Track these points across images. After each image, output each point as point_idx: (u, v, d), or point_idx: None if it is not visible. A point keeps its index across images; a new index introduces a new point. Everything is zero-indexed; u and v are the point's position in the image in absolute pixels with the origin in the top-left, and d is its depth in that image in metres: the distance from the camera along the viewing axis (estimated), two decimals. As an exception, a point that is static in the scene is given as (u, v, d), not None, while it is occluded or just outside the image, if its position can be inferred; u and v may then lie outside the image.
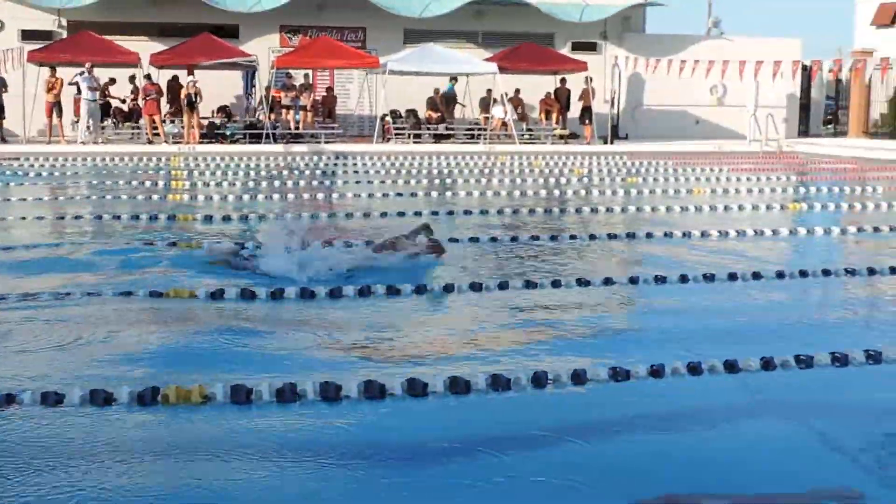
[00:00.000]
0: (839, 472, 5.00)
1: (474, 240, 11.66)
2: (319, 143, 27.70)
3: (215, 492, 4.62)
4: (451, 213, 14.42)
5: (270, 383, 5.85)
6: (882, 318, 8.77)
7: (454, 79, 31.01)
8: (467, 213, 14.45)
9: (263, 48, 31.22)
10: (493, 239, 11.95)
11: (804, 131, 35.48)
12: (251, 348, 7.10)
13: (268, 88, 28.95)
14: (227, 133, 28.40)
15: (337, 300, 8.51)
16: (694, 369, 6.29)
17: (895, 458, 5.29)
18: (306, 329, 7.67)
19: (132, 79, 28.89)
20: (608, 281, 9.26)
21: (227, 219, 13.73)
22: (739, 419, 5.75)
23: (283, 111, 29.08)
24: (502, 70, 29.36)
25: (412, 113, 30.10)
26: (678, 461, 5.08)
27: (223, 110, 30.06)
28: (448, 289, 8.79)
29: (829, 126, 38.42)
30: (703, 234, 12.34)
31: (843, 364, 6.54)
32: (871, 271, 10.02)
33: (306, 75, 30.51)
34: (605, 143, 30.24)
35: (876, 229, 12.91)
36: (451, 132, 30.09)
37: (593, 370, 6.18)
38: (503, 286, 8.89)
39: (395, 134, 29.19)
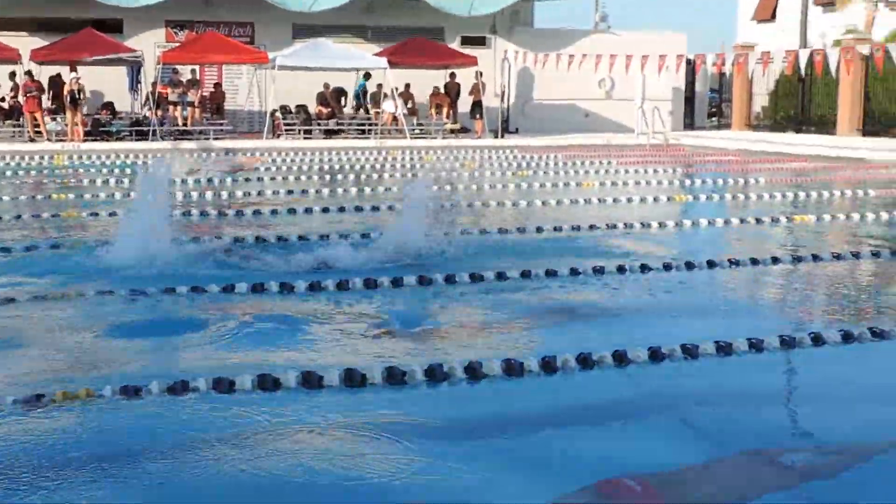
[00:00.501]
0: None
1: (366, 236, 11.54)
2: (208, 139, 27.35)
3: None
4: (342, 209, 14.36)
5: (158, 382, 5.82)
6: (764, 307, 9.00)
7: (367, 75, 30.91)
8: (359, 209, 14.41)
9: (149, 43, 30.66)
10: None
11: (689, 124, 36.16)
12: (141, 345, 7.04)
13: (154, 84, 28.48)
14: (113, 130, 27.85)
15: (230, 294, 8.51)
16: (584, 361, 6.38)
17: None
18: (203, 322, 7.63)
19: (12, 75, 28.13)
20: (501, 276, 9.30)
21: (112, 214, 13.44)
22: (627, 412, 5.86)
23: (171, 107, 28.61)
24: (392, 65, 29.34)
25: (302, 108, 29.90)
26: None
27: (108, 107, 29.46)
28: (341, 286, 8.76)
29: (714, 119, 39.23)
30: (592, 227, 12.52)
31: (728, 353, 6.70)
32: (755, 261, 10.27)
33: (193, 71, 30.10)
34: (496, 137, 30.42)
35: (758, 220, 13.23)
36: (342, 128, 29.97)
37: (488, 365, 6.23)
38: (397, 283, 8.89)
39: (286, 130, 28.97)
